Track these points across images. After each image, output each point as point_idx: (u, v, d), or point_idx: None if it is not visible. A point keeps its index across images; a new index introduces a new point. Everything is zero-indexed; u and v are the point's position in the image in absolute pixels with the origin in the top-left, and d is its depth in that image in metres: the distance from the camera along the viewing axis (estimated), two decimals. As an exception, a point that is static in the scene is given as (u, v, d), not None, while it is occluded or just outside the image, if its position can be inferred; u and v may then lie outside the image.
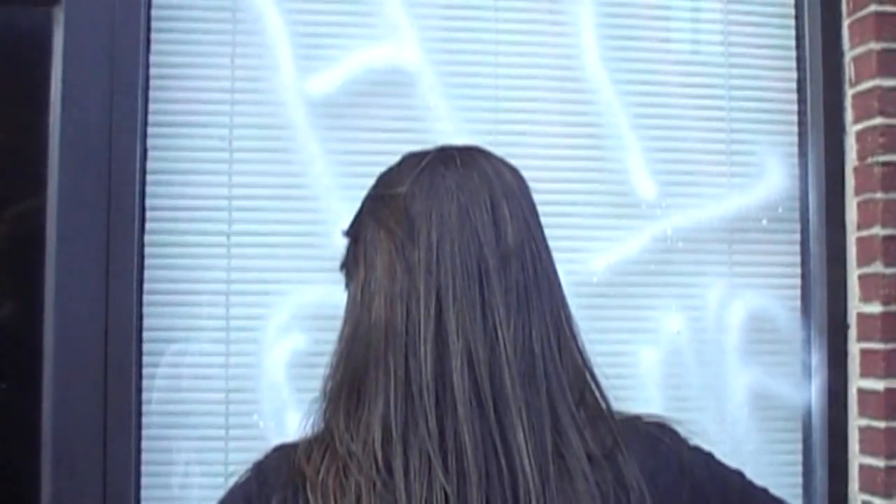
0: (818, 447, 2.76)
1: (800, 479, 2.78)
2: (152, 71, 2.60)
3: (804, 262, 2.82)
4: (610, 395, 1.46)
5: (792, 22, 2.86)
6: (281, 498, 1.33)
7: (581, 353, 1.43)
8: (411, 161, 1.48)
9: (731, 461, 1.53)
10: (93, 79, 2.51)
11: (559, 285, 1.45)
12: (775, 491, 1.58)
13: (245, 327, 2.60)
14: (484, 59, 2.74)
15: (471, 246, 1.36)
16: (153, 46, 2.61)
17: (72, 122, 2.50)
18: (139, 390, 2.53)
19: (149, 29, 2.60)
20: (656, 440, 1.42)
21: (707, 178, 2.81)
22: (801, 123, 2.84)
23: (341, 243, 2.55)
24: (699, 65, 2.84)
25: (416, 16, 2.71)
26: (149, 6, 2.60)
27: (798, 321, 2.81)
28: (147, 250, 2.56)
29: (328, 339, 2.46)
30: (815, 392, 2.78)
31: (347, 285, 1.49)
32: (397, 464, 1.29)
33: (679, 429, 1.48)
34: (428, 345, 1.32)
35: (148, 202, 2.57)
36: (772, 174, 2.82)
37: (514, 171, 1.51)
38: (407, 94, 2.70)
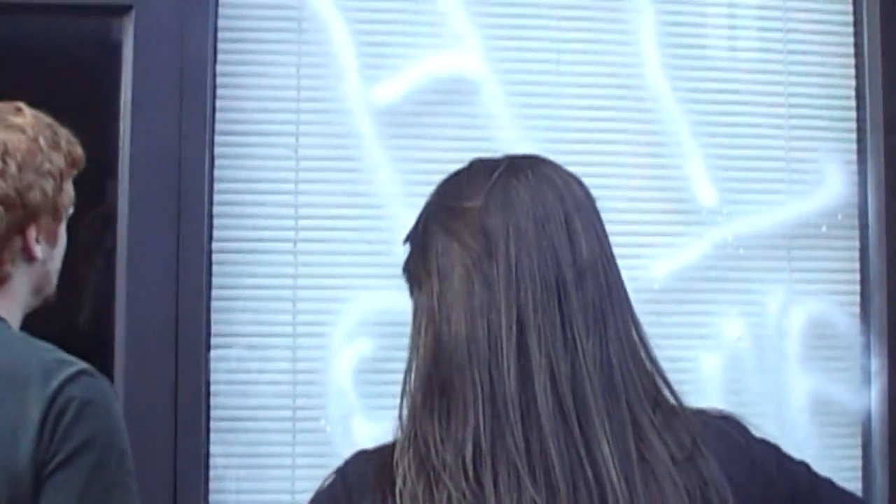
0: (878, 452, 2.77)
1: (860, 485, 2.78)
2: (219, 80, 2.65)
3: (864, 268, 2.83)
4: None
5: (851, 29, 2.87)
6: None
7: (651, 357, 1.45)
8: (482, 172, 1.48)
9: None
10: (162, 88, 2.56)
11: (627, 295, 1.47)
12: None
13: (312, 333, 2.63)
14: (546, 67, 2.76)
15: (548, 261, 1.38)
16: (220, 56, 2.65)
17: (142, 131, 2.55)
18: (207, 394, 2.57)
19: (216, 39, 2.64)
20: (726, 434, 1.44)
21: (767, 184, 2.82)
22: (861, 130, 2.85)
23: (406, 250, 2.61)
24: (758, 72, 2.85)
25: (480, 25, 2.73)
26: (216, 16, 2.64)
27: (858, 327, 2.82)
28: (215, 257, 2.60)
29: (394, 346, 2.51)
30: (874, 397, 2.78)
31: (412, 292, 1.50)
32: (487, 477, 1.31)
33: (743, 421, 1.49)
34: (511, 360, 1.34)
35: (216, 210, 2.61)
36: (831, 180, 2.83)
37: (582, 184, 1.51)
38: (470, 102, 2.72)
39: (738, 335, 2.77)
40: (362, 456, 1.43)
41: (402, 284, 2.62)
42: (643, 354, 1.44)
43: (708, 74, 2.83)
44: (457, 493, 1.31)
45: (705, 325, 2.77)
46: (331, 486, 1.41)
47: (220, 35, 2.66)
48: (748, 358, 2.77)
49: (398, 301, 2.47)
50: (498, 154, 1.54)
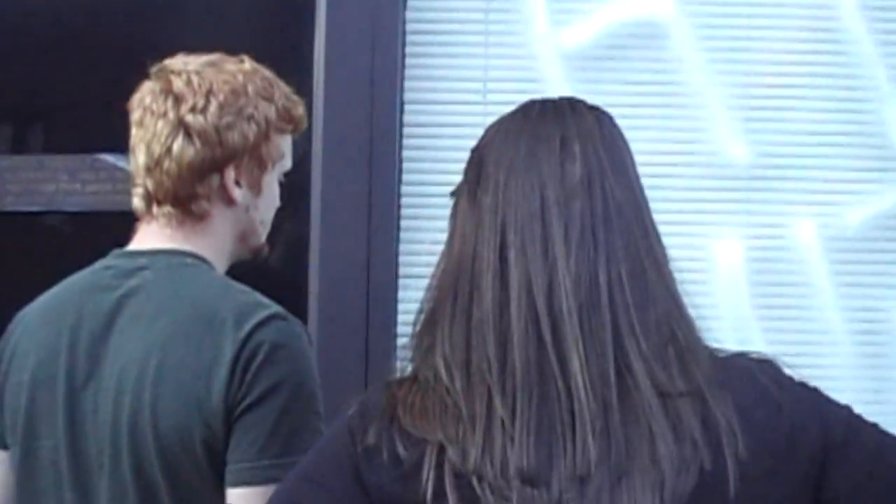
0: None
1: None
2: (409, 27, 2.68)
3: None
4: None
5: None
6: (377, 426, 1.42)
7: (669, 289, 1.47)
8: (507, 114, 1.58)
9: None
10: (354, 35, 2.62)
11: (640, 221, 1.48)
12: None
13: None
14: (738, 10, 2.72)
15: (534, 185, 1.44)
16: (410, 2, 2.69)
17: (334, 78, 2.62)
18: (395, 335, 2.62)
19: (407, -13, 2.69)
20: (753, 375, 1.44)
21: (968, 128, 2.73)
22: None
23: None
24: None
25: (670, -34, 2.70)
26: (408, -34, 2.69)
27: None
28: (404, 200, 2.67)
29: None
30: None
31: None
32: (458, 386, 1.39)
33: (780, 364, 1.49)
34: (489, 277, 1.41)
35: (405, 154, 2.66)
36: None
37: (599, 115, 1.56)
38: (660, 46, 2.70)
39: (934, 284, 2.70)
40: (383, 384, 1.51)
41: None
42: (658, 284, 1.45)
43: (907, 16, 2.74)
44: (440, 402, 1.40)
45: (899, 274, 2.70)
46: (350, 414, 1.48)
47: (412, -15, 2.70)
48: (944, 309, 2.70)
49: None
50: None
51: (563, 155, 1.45)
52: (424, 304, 1.51)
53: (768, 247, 2.68)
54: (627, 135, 2.63)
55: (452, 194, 1.55)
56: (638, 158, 2.62)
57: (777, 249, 2.68)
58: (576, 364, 1.37)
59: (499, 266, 1.41)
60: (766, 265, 2.67)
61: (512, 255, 1.41)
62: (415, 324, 1.52)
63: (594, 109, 1.56)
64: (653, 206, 2.59)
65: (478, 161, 1.52)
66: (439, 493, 1.36)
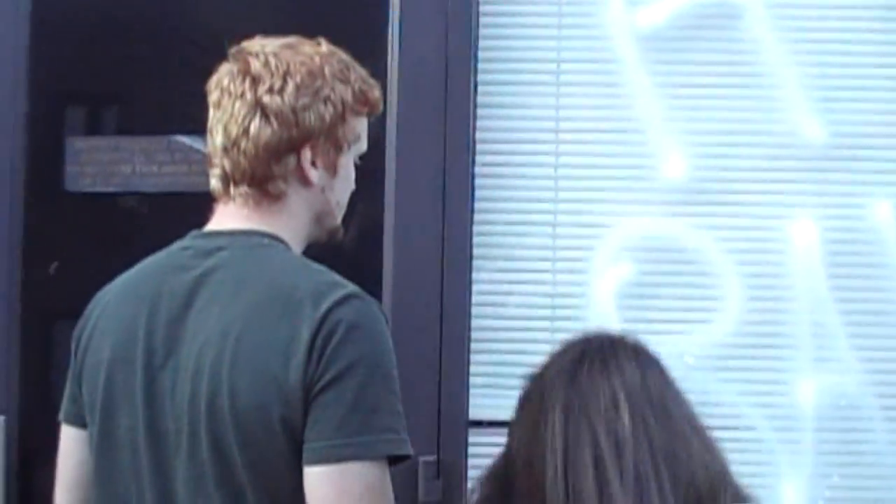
0: None
1: None
2: (483, 8, 2.68)
3: None
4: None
5: None
6: None
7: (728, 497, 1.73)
8: (563, 354, 1.84)
9: None
10: (428, 17, 2.63)
11: (686, 452, 1.71)
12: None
13: (572, 258, 2.67)
14: (811, -10, 2.70)
15: (588, 440, 1.69)
16: (484, -16, 2.69)
17: (408, 58, 2.64)
18: (469, 315, 2.64)
19: (479, -34, 2.69)
20: None
21: None
22: None
23: (669, 175, 2.61)
24: None
25: (743, -54, 2.69)
26: (480, -56, 2.68)
27: None
28: (478, 181, 2.67)
29: (655, 271, 2.53)
30: None
31: None
32: None
33: None
34: (559, 495, 1.68)
35: (479, 135, 2.67)
36: None
37: (641, 361, 1.79)
38: (734, 26, 2.69)
39: None
40: None
41: (662, 210, 2.66)
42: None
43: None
44: None
45: None
46: None
47: (483, -37, 2.70)
48: None
49: (660, 226, 2.48)
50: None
51: (610, 413, 1.71)
52: (488, 481, 1.85)
53: (845, 227, 2.66)
54: (702, 115, 2.67)
55: (521, 402, 1.84)
56: (712, 139, 2.67)
57: (853, 230, 2.66)
58: None
59: (564, 492, 1.67)
60: (842, 246, 2.65)
61: (572, 492, 1.67)
62: (477, 496, 1.84)
63: (637, 354, 1.80)
64: (728, 186, 2.64)
65: (540, 392, 1.79)
66: None
